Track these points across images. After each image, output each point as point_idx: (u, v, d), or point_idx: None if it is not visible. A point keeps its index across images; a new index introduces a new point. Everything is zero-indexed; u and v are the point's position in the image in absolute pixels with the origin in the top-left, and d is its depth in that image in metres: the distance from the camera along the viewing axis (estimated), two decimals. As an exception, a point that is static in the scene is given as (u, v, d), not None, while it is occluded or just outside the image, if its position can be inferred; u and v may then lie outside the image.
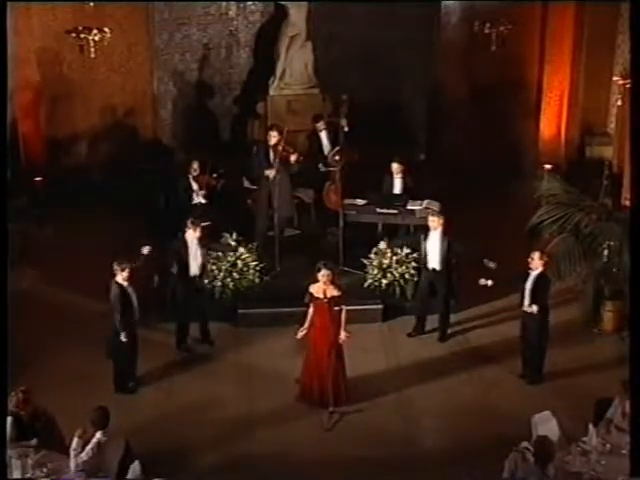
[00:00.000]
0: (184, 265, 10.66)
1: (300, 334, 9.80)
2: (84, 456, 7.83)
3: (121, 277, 9.87)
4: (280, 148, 12.05)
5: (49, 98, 14.32)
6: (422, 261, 11.13)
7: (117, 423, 8.26)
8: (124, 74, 14.70)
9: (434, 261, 10.95)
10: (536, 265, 10.07)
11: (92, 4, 13.33)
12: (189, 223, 10.65)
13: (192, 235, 10.64)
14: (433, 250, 10.93)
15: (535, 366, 10.34)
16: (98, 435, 7.92)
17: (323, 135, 13.44)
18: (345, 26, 15.13)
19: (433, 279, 11.07)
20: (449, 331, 11.26)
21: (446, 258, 10.87)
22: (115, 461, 7.95)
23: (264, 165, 12.22)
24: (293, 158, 12.23)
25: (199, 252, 10.72)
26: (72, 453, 7.84)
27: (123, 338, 9.86)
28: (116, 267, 9.87)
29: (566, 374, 10.41)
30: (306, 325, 9.80)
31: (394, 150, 12.98)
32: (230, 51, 15.54)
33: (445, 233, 10.86)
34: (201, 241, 10.73)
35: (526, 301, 10.12)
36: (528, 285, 10.10)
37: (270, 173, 12.08)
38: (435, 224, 10.89)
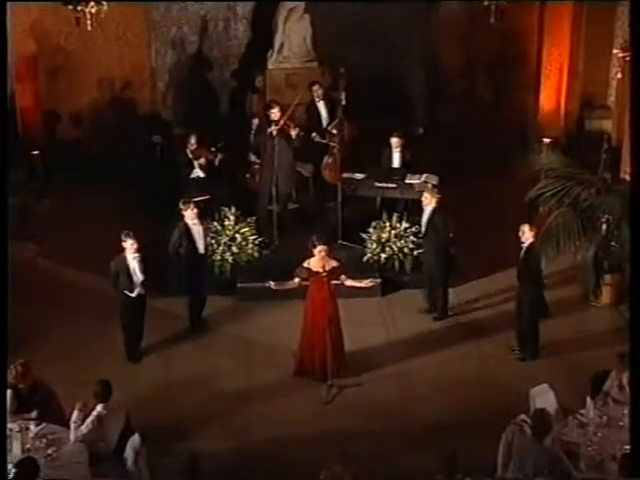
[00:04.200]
0: (192, 246, 10.52)
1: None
2: (84, 429, 7.88)
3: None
4: (282, 122, 11.94)
5: (46, 71, 14.23)
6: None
7: (117, 396, 8.28)
8: (121, 47, 14.57)
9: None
10: (527, 237, 10.09)
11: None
12: (181, 205, 10.51)
13: (190, 215, 10.50)
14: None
15: (530, 341, 10.32)
16: (99, 408, 7.96)
17: (321, 106, 13.30)
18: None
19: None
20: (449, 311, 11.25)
21: (440, 233, 10.80)
22: (115, 434, 7.99)
23: (265, 135, 12.08)
24: (294, 133, 12.13)
25: (201, 230, 10.66)
26: (72, 425, 7.89)
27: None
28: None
29: (564, 347, 10.43)
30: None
31: (393, 124, 12.92)
32: (228, 23, 15.41)
33: (437, 209, 10.79)
34: (200, 218, 10.63)
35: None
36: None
37: (274, 130, 11.84)
38: (427, 200, 10.88)
